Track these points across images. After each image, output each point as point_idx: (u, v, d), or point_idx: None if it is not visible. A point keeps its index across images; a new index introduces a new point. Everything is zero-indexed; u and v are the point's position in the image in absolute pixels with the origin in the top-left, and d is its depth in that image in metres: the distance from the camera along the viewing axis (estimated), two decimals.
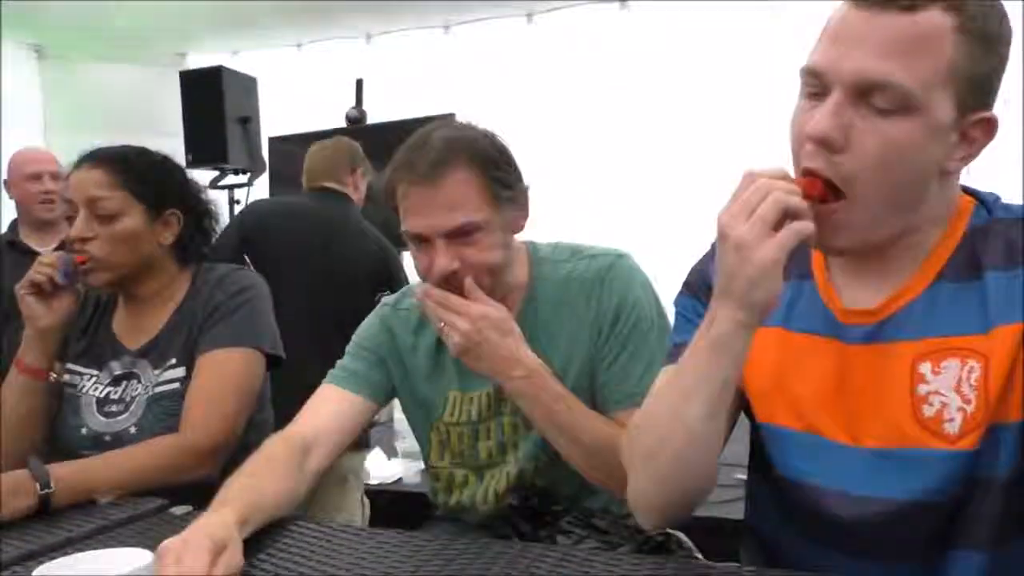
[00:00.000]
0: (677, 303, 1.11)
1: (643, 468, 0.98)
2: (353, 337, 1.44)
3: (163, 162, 1.57)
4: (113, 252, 1.45)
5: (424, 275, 1.28)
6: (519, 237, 1.36)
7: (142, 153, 1.53)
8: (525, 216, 1.34)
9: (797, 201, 0.84)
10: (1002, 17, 0.88)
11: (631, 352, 1.29)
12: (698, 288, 1.06)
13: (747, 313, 0.85)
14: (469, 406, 1.37)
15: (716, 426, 0.93)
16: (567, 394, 1.25)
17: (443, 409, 1.39)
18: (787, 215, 0.83)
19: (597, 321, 1.31)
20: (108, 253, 1.45)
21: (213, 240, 1.61)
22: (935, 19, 0.84)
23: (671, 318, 1.17)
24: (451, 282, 1.25)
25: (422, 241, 1.25)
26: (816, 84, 0.88)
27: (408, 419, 1.47)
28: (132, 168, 1.49)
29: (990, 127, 0.88)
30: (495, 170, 1.25)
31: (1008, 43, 0.89)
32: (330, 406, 1.34)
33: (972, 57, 0.85)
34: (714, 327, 0.87)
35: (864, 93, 0.85)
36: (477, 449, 1.38)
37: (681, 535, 1.31)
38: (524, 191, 1.32)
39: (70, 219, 1.47)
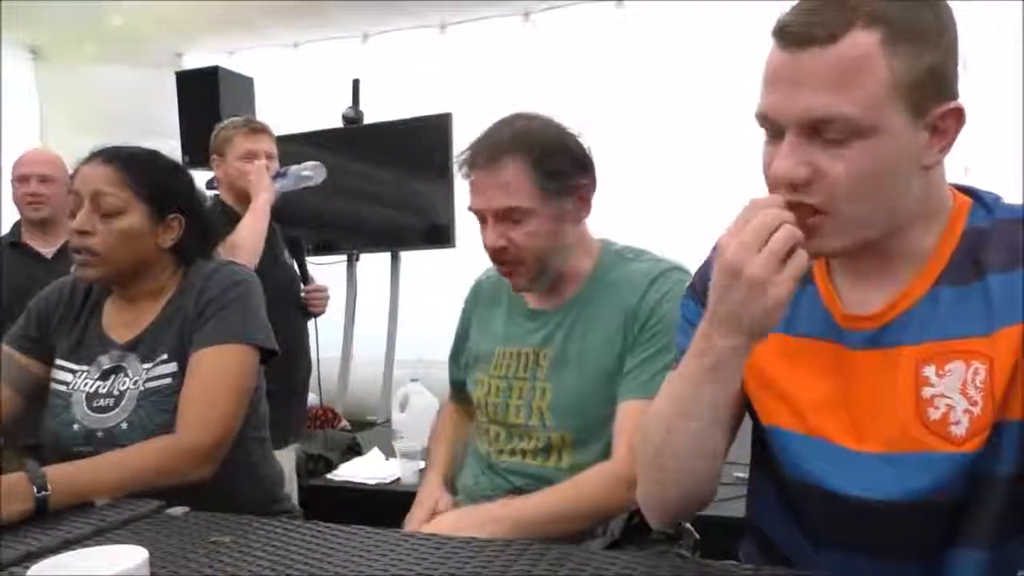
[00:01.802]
0: (682, 307, 1.12)
1: (647, 473, 1.01)
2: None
3: (172, 167, 1.58)
4: (112, 248, 1.45)
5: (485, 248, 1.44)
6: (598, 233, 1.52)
7: (152, 155, 1.54)
8: (586, 208, 1.46)
9: (800, 233, 0.84)
10: (933, 5, 0.86)
11: (656, 349, 1.36)
12: (703, 294, 1.06)
13: (749, 339, 0.87)
14: (511, 361, 1.49)
15: (715, 436, 0.95)
16: (525, 502, 1.33)
17: (491, 363, 1.52)
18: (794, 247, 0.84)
19: (636, 312, 1.40)
20: (107, 249, 1.45)
21: (211, 251, 1.60)
22: (859, 41, 0.82)
23: None
24: (500, 258, 1.42)
25: (480, 219, 1.42)
26: (770, 128, 0.89)
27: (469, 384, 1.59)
28: (140, 168, 1.49)
29: (959, 115, 0.87)
30: (549, 163, 1.38)
31: (950, 25, 0.86)
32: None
33: (911, 61, 0.83)
34: (713, 353, 0.88)
35: (815, 128, 0.84)
36: (508, 405, 1.47)
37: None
38: (586, 185, 1.44)
39: (74, 214, 1.47)
